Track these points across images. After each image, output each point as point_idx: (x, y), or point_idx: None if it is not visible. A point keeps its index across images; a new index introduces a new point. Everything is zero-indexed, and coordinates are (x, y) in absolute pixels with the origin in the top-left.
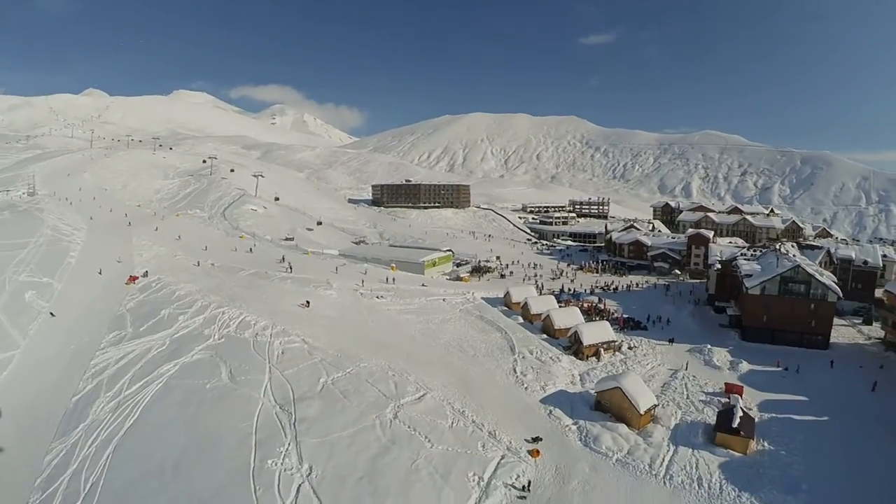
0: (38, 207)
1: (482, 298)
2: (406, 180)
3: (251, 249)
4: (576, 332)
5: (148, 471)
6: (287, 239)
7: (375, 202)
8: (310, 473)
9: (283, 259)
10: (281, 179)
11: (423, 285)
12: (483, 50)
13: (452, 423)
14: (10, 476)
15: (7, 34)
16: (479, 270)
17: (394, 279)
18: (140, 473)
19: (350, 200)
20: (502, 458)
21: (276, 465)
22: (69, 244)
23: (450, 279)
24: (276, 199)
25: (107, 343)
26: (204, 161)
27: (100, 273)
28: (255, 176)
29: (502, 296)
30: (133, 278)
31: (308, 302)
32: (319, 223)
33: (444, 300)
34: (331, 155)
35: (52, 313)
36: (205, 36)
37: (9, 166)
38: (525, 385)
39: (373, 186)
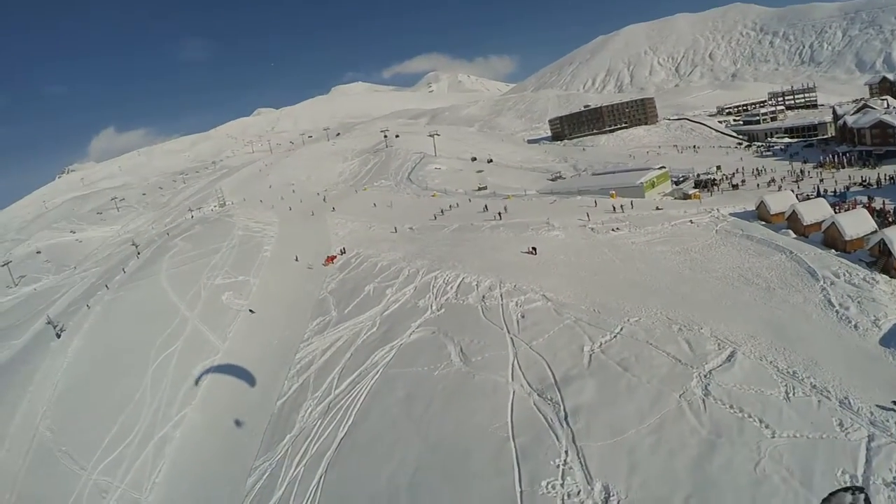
0: (229, 214)
1: (730, 215)
2: (584, 106)
3: (451, 207)
4: (881, 241)
5: (373, 497)
6: (480, 188)
7: (556, 137)
8: (608, 499)
9: (486, 208)
10: (455, 136)
11: (657, 209)
12: None
13: (787, 392)
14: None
15: (164, 86)
16: (704, 185)
17: (622, 207)
18: (363, 502)
19: (529, 141)
20: (869, 439)
21: (553, 488)
22: (262, 239)
23: (675, 198)
24: (473, 158)
25: (311, 332)
26: (385, 135)
27: (296, 260)
28: (430, 136)
29: (753, 208)
30: (331, 258)
31: (534, 248)
32: (490, 160)
33: (691, 222)
34: (495, 104)
35: (251, 310)
36: (342, 29)
37: (199, 189)
38: (852, 322)
39: (550, 121)
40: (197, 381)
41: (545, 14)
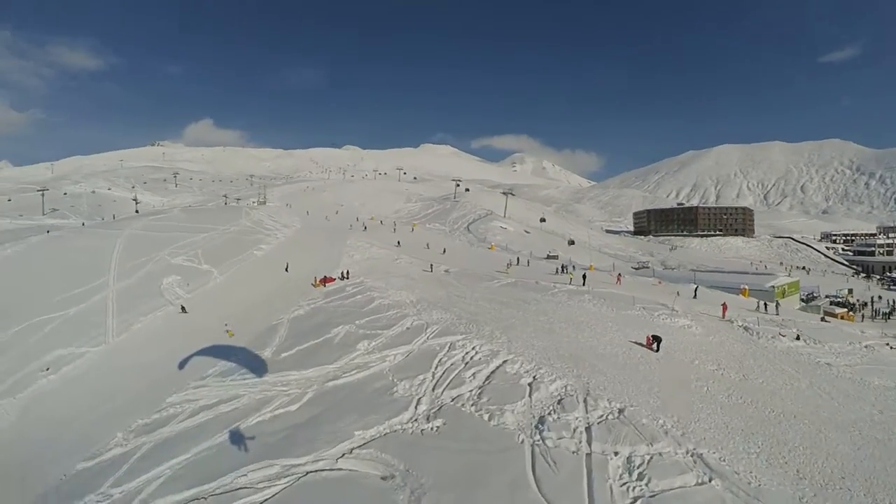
0: (252, 207)
1: None
2: (678, 203)
3: (518, 261)
4: None
5: None
6: (550, 256)
7: (639, 231)
8: None
9: (563, 269)
10: (530, 207)
11: (823, 319)
12: (721, 79)
13: None
14: None
15: (270, 101)
16: (844, 306)
17: (777, 306)
18: None
19: (607, 231)
20: None
21: None
22: (265, 237)
23: (817, 314)
24: (543, 220)
25: (215, 373)
26: (457, 185)
27: (286, 270)
28: (504, 193)
29: None
30: (327, 280)
31: (656, 339)
32: (572, 242)
33: (890, 346)
34: (576, 192)
35: (183, 307)
36: (447, 93)
37: (256, 190)
38: None
39: (635, 214)
40: (46, 369)
41: (641, 121)
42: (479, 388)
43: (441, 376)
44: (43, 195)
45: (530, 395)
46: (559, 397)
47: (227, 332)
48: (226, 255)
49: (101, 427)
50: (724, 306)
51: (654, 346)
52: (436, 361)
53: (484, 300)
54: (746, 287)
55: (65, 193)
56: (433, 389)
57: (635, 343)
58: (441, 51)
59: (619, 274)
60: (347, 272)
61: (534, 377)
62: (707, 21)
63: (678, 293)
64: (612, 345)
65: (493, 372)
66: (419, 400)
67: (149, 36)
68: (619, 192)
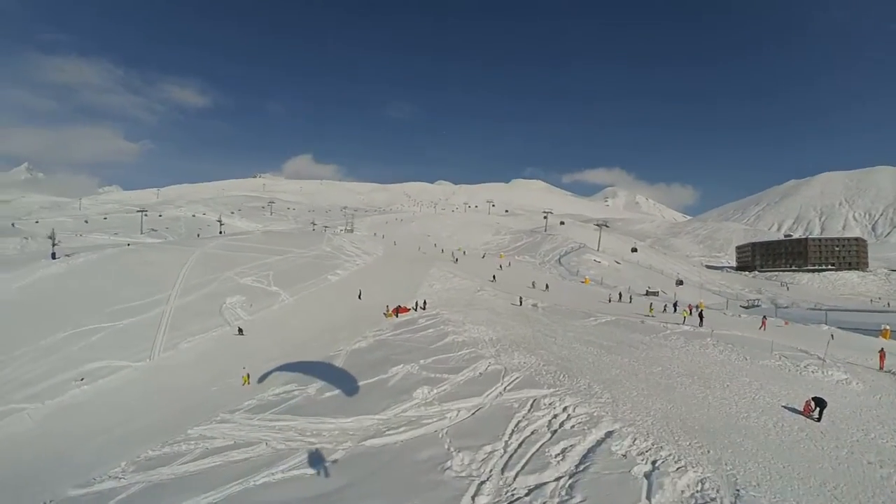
0: (335, 233)
1: None
2: (785, 235)
3: (620, 298)
4: None
5: None
6: (649, 293)
7: (743, 266)
8: None
9: (675, 307)
10: (623, 243)
11: None
12: (823, 102)
13: None
14: None
15: (368, 136)
16: None
17: None
18: None
19: (708, 267)
20: None
21: None
22: (343, 262)
23: None
24: (634, 249)
25: (247, 408)
26: (545, 217)
27: (359, 297)
28: (597, 226)
29: None
30: (401, 310)
31: (819, 404)
32: (680, 282)
33: None
34: (672, 226)
35: (240, 329)
36: (535, 127)
37: (347, 220)
38: None
39: (738, 248)
40: (81, 379)
41: (739, 151)
42: (571, 477)
43: (516, 450)
44: (143, 216)
45: (649, 497)
46: (695, 501)
47: (243, 378)
48: (298, 278)
49: (111, 450)
50: (882, 354)
51: (816, 412)
52: (511, 426)
53: (579, 342)
54: (888, 327)
55: (160, 215)
56: (502, 471)
57: (786, 408)
58: (530, 83)
59: (764, 317)
60: (424, 302)
61: (653, 463)
62: (808, 42)
63: (832, 336)
64: (757, 410)
65: (590, 450)
66: (480, 486)
67: (253, 76)
68: (718, 225)
